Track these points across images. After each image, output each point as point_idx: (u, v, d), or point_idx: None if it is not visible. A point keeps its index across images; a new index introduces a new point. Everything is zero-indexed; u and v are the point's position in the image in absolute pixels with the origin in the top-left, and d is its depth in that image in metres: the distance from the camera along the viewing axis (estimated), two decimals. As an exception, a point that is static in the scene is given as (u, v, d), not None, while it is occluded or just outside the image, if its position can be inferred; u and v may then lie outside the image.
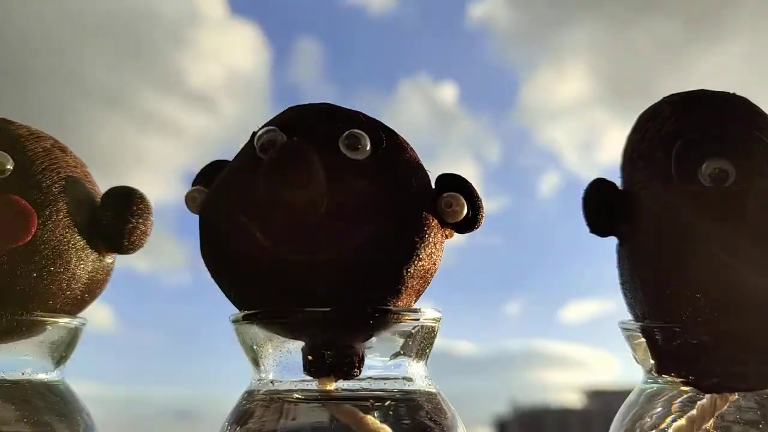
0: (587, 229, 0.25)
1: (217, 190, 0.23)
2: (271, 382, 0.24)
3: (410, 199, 0.22)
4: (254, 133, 0.23)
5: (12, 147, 0.24)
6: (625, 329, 0.25)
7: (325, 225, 0.20)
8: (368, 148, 0.22)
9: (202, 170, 0.25)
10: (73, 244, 0.24)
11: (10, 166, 0.23)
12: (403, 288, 0.22)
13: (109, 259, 0.26)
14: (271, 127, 0.22)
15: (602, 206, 0.25)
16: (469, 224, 0.24)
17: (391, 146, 0.23)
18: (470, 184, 0.24)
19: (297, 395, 0.23)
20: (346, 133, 0.22)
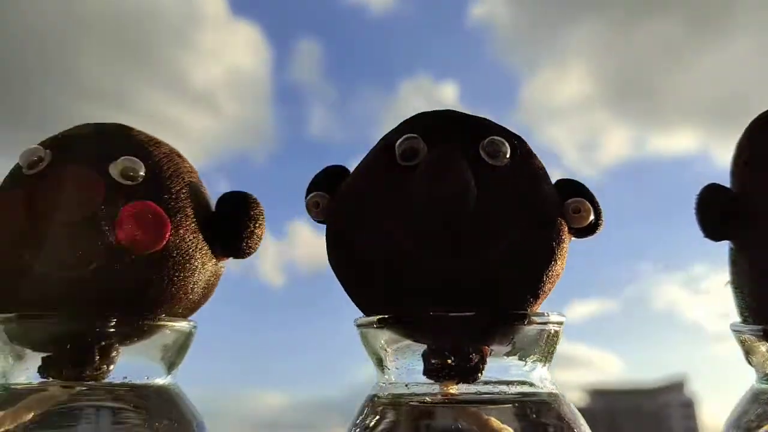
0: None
1: (350, 196, 0.23)
2: (395, 385, 0.24)
3: (546, 205, 0.22)
4: (384, 139, 0.24)
5: (139, 153, 0.24)
6: (738, 332, 0.25)
7: (473, 231, 0.21)
8: (508, 155, 0.22)
9: (320, 176, 0.26)
10: (199, 249, 0.24)
11: (142, 173, 0.23)
12: (540, 293, 0.22)
13: (221, 264, 0.27)
14: (413, 135, 0.22)
15: (717, 211, 0.25)
16: (591, 229, 0.24)
17: (524, 152, 0.23)
18: (586, 187, 0.25)
19: (422, 398, 0.24)
20: (488, 140, 0.22)
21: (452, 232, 0.21)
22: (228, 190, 0.27)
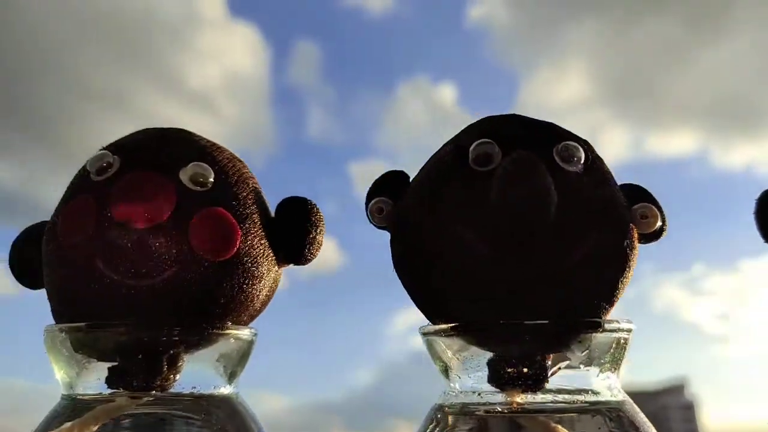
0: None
1: (420, 201, 0.23)
2: (461, 394, 0.24)
3: (619, 211, 0.22)
4: (453, 143, 0.24)
5: (205, 158, 0.24)
6: None
7: (551, 238, 0.20)
8: (582, 160, 0.22)
9: (381, 182, 0.25)
10: (265, 256, 0.24)
11: (212, 179, 0.23)
12: (614, 300, 0.22)
13: (281, 270, 0.26)
14: (488, 140, 0.22)
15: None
16: (657, 234, 0.24)
17: (594, 157, 0.23)
18: (650, 192, 0.25)
19: (490, 408, 0.23)
20: (562, 144, 0.22)
21: (531, 238, 0.20)
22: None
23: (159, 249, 0.21)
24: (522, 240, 0.20)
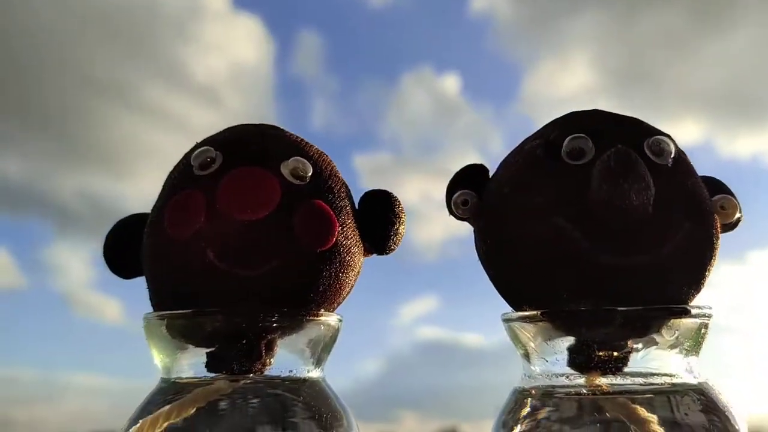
0: None
1: (511, 193, 0.24)
2: (542, 377, 0.25)
3: (707, 202, 0.23)
4: (540, 137, 0.24)
5: (302, 153, 0.25)
6: None
7: (648, 229, 0.21)
8: (672, 154, 0.23)
9: (462, 175, 0.26)
10: (358, 248, 0.25)
11: (310, 173, 0.24)
12: (701, 286, 0.23)
13: (363, 260, 0.27)
14: (581, 135, 0.22)
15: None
16: (734, 224, 0.25)
17: (680, 151, 0.24)
18: (726, 185, 0.25)
19: (570, 390, 0.24)
20: (653, 139, 0.22)
21: (630, 230, 0.21)
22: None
23: (266, 240, 0.22)
24: (621, 233, 0.21)
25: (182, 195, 0.23)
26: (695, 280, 0.23)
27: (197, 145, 0.25)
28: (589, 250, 0.21)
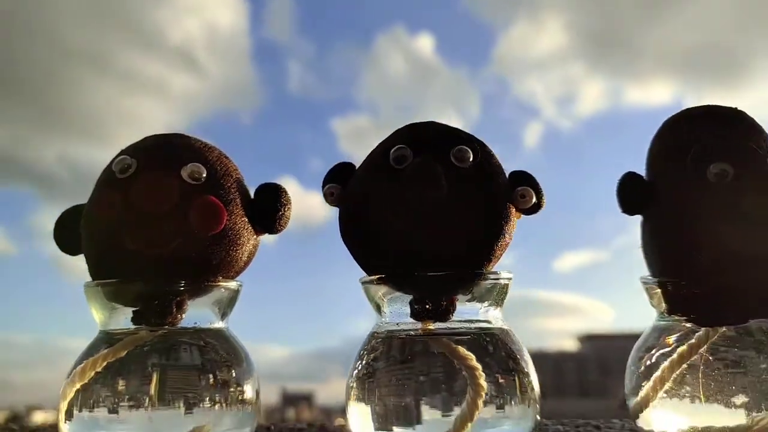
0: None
1: (358, 190, 0.32)
2: (388, 324, 0.33)
3: (499, 195, 0.31)
4: (381, 146, 0.32)
5: (199, 159, 0.32)
6: (644, 283, 0.34)
7: (447, 216, 0.29)
8: (471, 158, 0.30)
9: (332, 171, 0.34)
10: (246, 229, 0.33)
11: (205, 175, 0.32)
12: (493, 257, 0.31)
13: (259, 238, 0.35)
14: (403, 146, 0.30)
15: (633, 194, 0.33)
16: (534, 209, 0.33)
17: (484, 154, 0.31)
18: (535, 178, 0.33)
19: (407, 333, 0.32)
20: (456, 148, 0.30)
21: (433, 217, 0.29)
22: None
23: (168, 227, 0.30)
24: (426, 219, 0.29)
25: (105, 194, 0.31)
26: (486, 253, 0.30)
27: (119, 154, 0.32)
28: (407, 232, 0.30)
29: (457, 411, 0.30)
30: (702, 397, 0.32)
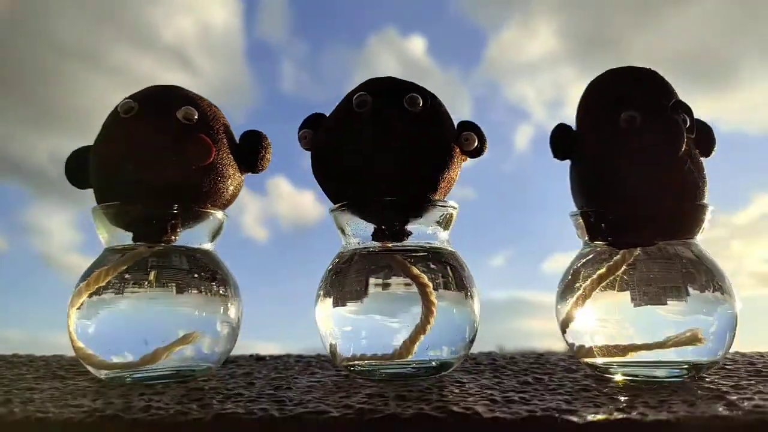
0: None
1: (327, 132, 0.37)
2: (352, 243, 0.38)
3: (445, 136, 0.37)
4: (347, 96, 0.38)
5: (191, 103, 0.38)
6: (572, 215, 0.40)
7: (400, 152, 0.35)
8: (420, 104, 0.36)
9: (307, 119, 0.40)
10: (230, 165, 0.38)
11: (196, 116, 0.37)
12: (439, 188, 0.37)
13: (243, 176, 0.41)
14: (363, 93, 0.36)
15: (562, 142, 0.39)
16: (477, 152, 0.38)
17: (434, 103, 0.37)
18: (480, 127, 0.39)
19: (368, 251, 0.38)
20: (408, 95, 0.36)
21: (387, 153, 0.35)
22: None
23: (164, 159, 0.36)
24: (382, 155, 0.35)
25: (111, 131, 0.37)
26: (432, 184, 0.36)
27: (124, 99, 0.38)
28: (366, 166, 0.35)
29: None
30: (618, 313, 0.37)
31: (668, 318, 0.35)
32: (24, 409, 0.30)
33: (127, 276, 0.36)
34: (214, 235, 0.40)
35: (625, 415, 0.27)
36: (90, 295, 0.36)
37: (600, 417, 0.27)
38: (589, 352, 0.37)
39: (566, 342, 0.39)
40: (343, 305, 0.36)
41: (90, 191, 0.39)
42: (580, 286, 0.38)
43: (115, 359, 0.35)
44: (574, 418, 0.27)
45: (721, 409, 0.28)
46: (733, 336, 0.35)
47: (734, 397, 0.31)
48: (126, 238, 0.38)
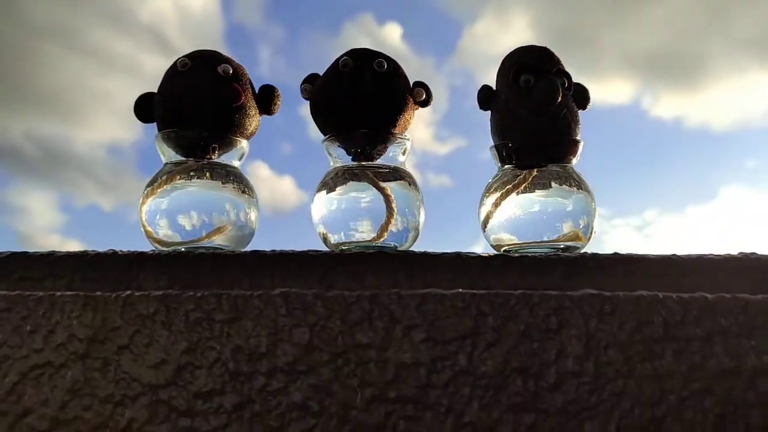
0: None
1: (321, 85, 0.54)
2: (337, 164, 0.56)
3: (402, 89, 0.54)
4: (336, 59, 0.55)
5: (227, 62, 0.55)
6: (491, 148, 0.57)
7: (372, 100, 0.52)
8: (386, 67, 0.53)
9: (307, 78, 0.56)
10: (253, 107, 0.55)
11: (231, 71, 0.54)
12: (398, 125, 0.54)
13: (260, 117, 0.57)
14: (347, 57, 0.53)
15: (483, 97, 0.57)
16: (425, 103, 0.56)
17: (396, 66, 0.54)
18: (428, 85, 0.56)
19: (348, 168, 0.55)
20: (377, 60, 0.53)
21: (363, 100, 0.52)
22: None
23: (210, 100, 0.53)
24: (359, 101, 0.52)
25: (172, 80, 0.53)
26: (392, 123, 0.54)
27: (180, 57, 0.54)
28: (348, 109, 0.52)
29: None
30: (523, 216, 0.55)
31: (548, 208, 0.53)
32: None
33: (192, 173, 0.52)
34: (240, 157, 0.57)
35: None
36: (159, 186, 0.52)
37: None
38: (500, 240, 0.55)
39: (485, 237, 0.57)
40: (333, 191, 0.53)
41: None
42: (491, 197, 0.56)
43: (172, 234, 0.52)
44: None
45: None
46: (591, 221, 0.53)
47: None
48: (179, 153, 0.55)
